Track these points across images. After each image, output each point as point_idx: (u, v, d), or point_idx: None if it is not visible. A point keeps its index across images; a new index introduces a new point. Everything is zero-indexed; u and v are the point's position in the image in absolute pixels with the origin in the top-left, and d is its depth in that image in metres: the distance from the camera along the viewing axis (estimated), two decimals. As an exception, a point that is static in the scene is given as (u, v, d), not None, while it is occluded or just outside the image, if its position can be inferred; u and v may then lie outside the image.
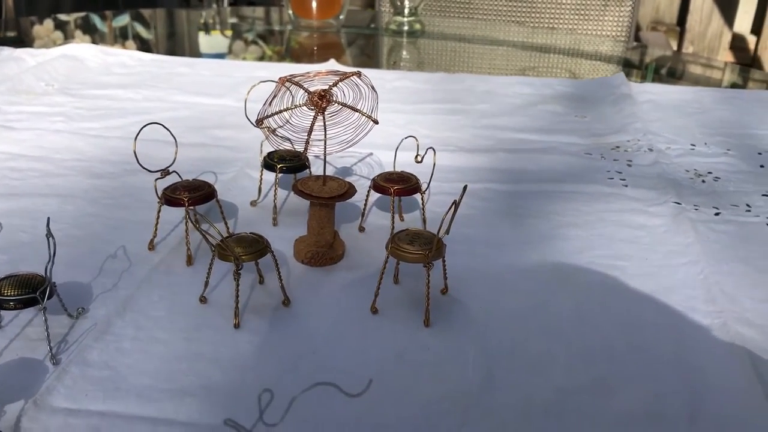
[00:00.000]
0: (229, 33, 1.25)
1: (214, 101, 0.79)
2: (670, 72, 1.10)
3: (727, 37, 2.50)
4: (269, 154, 0.55)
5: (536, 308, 0.46)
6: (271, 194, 0.58)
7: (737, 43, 2.51)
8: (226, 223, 0.53)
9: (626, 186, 0.62)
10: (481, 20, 1.57)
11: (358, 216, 0.56)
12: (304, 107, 0.45)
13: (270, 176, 0.56)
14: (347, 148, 0.47)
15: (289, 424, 0.35)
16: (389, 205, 0.56)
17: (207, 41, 1.25)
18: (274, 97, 0.46)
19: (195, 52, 1.12)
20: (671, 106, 0.80)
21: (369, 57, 1.06)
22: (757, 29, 2.48)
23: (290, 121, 0.46)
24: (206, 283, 0.46)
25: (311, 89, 0.46)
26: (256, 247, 0.44)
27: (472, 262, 0.51)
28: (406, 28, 1.08)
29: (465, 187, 0.44)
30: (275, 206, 0.56)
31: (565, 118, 0.76)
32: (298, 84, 0.46)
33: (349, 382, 0.38)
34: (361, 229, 0.55)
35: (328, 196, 0.48)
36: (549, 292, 0.48)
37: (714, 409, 0.38)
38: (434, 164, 0.52)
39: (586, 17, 1.57)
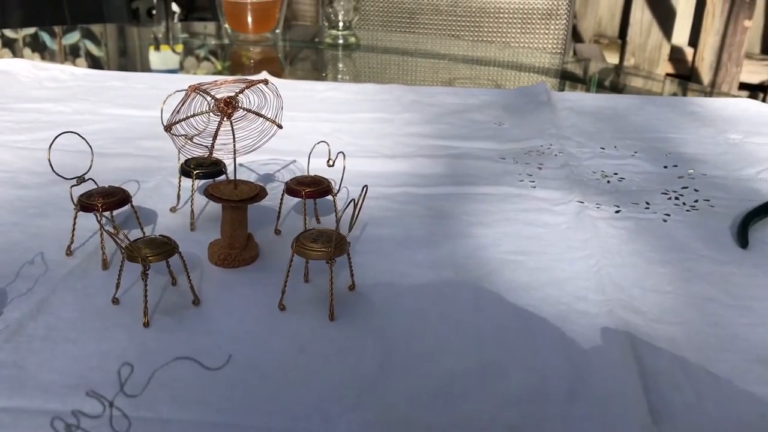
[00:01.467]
0: (179, 49, 1.26)
1: (143, 113, 0.81)
2: (600, 82, 1.15)
3: (666, 49, 2.59)
4: (186, 161, 0.57)
5: (436, 300, 0.49)
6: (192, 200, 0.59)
7: (676, 55, 2.60)
8: (141, 228, 0.54)
9: (534, 187, 0.65)
10: (423, 35, 1.61)
11: (274, 219, 0.58)
12: (211, 114, 0.48)
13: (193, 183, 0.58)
14: (252, 151, 0.49)
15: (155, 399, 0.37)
16: (307, 209, 0.58)
17: (158, 58, 1.26)
18: (183, 104, 0.48)
19: (146, 69, 1.13)
20: (587, 113, 0.84)
21: (303, 69, 1.09)
22: (694, 41, 2.57)
23: (196, 127, 0.48)
24: (117, 285, 0.47)
25: (219, 97, 0.48)
26: (164, 248, 0.45)
27: (381, 260, 0.53)
28: (341, 41, 1.11)
29: (365, 188, 0.46)
30: (192, 212, 0.57)
31: (485, 126, 0.80)
32: (205, 92, 0.48)
33: (246, 373, 0.40)
34: (277, 231, 0.57)
35: (238, 199, 0.50)
36: (450, 285, 0.51)
37: (592, 387, 0.41)
38: (344, 168, 0.54)
39: (524, 31, 1.62)
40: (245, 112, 0.47)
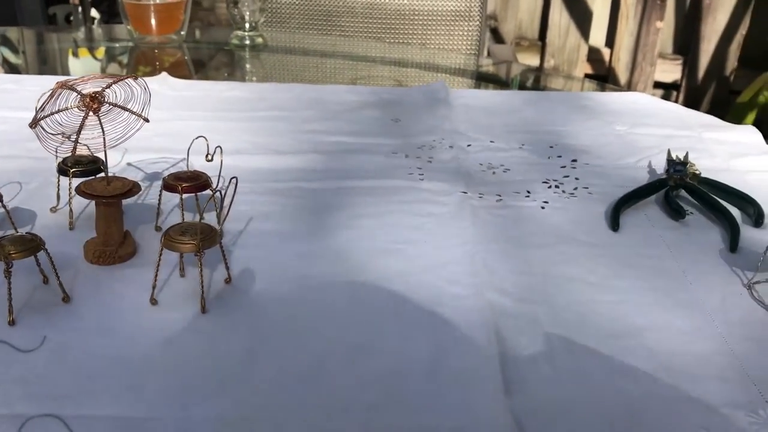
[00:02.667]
0: (101, 54, 1.23)
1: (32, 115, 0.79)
2: (510, 81, 1.19)
3: (584, 50, 2.67)
4: (64, 159, 0.56)
5: (312, 290, 0.50)
6: (74, 200, 0.58)
7: (593, 56, 2.68)
8: (15, 228, 0.53)
9: (422, 180, 0.67)
10: (339, 36, 1.62)
11: (156, 217, 0.58)
12: (78, 109, 0.47)
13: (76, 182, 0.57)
14: (118, 144, 0.49)
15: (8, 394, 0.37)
16: (192, 205, 0.58)
17: (78, 63, 1.23)
18: (50, 100, 0.48)
19: (67, 75, 1.10)
20: (482, 109, 0.87)
21: (207, 70, 1.08)
22: (610, 42, 2.66)
23: (62, 124, 0.48)
24: (-18, 284, 0.46)
25: (86, 92, 0.48)
26: (29, 245, 0.45)
27: (262, 253, 0.54)
28: (247, 42, 1.11)
29: (234, 180, 0.47)
30: (71, 211, 0.57)
31: (381, 122, 0.81)
32: (71, 87, 0.47)
33: (111, 366, 0.41)
34: (158, 228, 0.57)
35: (110, 195, 0.50)
36: (328, 275, 0.52)
37: (452, 365, 0.43)
38: (221, 162, 0.55)
39: (438, 33, 1.65)
40: (111, 106, 0.47)
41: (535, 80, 1.31)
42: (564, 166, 0.71)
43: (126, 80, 0.49)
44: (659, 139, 0.78)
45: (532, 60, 2.72)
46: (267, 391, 0.40)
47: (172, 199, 0.59)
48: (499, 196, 0.65)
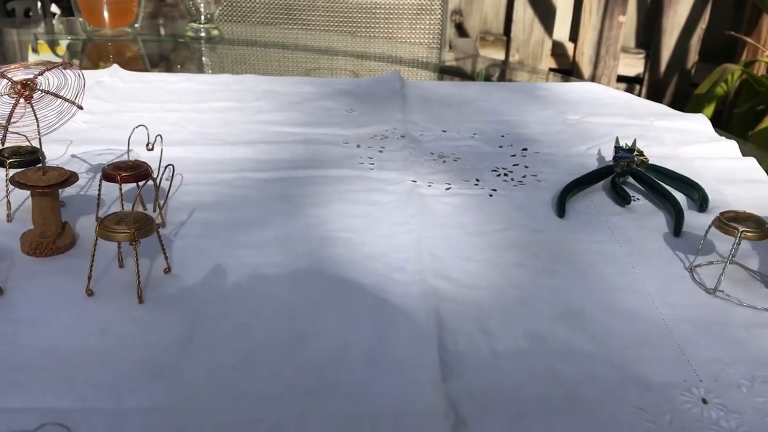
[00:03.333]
0: (62, 51, 1.21)
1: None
2: (466, 74, 1.19)
3: (548, 45, 2.69)
4: (0, 150, 0.55)
5: (254, 279, 0.49)
6: (13, 192, 0.57)
7: (558, 50, 2.70)
8: (-53, 221, 0.52)
9: (372, 169, 0.67)
10: (300, 30, 1.61)
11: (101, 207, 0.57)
12: (6, 97, 0.46)
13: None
14: (50, 133, 0.48)
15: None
16: (133, 195, 0.57)
17: (38, 58, 1.20)
18: (-21, 88, 0.46)
19: None
20: (436, 99, 0.86)
21: (161, 63, 1.07)
22: (574, 37, 2.68)
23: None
24: None
25: (17, 79, 0.47)
26: (-43, 236, 0.44)
27: (204, 243, 0.53)
28: (203, 34, 1.09)
29: (169, 167, 0.46)
30: (8, 203, 0.55)
31: (335, 113, 0.81)
32: (2, 74, 0.46)
33: (43, 358, 0.40)
34: (98, 219, 0.56)
35: (45, 184, 0.49)
36: (271, 264, 0.51)
37: (391, 351, 0.43)
38: (162, 151, 0.54)
39: (400, 26, 1.65)
40: (43, 94, 0.46)
41: (500, 74, 1.31)
42: (514, 155, 0.72)
43: (59, 68, 0.48)
44: (610, 127, 0.79)
45: (497, 55, 2.73)
46: (201, 381, 0.40)
47: (115, 190, 0.58)
48: (449, 184, 0.65)
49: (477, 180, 0.66)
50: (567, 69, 2.71)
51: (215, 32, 1.10)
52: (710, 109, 2.02)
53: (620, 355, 0.43)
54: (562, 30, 2.70)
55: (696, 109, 1.96)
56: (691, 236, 0.57)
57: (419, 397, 0.39)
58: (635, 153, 0.68)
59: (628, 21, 2.60)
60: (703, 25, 2.49)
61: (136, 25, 1.08)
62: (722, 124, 2.39)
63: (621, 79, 2.68)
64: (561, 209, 0.60)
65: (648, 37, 2.62)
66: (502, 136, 0.76)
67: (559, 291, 0.50)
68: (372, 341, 0.43)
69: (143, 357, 0.41)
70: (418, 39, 1.66)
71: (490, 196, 0.63)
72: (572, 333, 0.45)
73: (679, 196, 0.64)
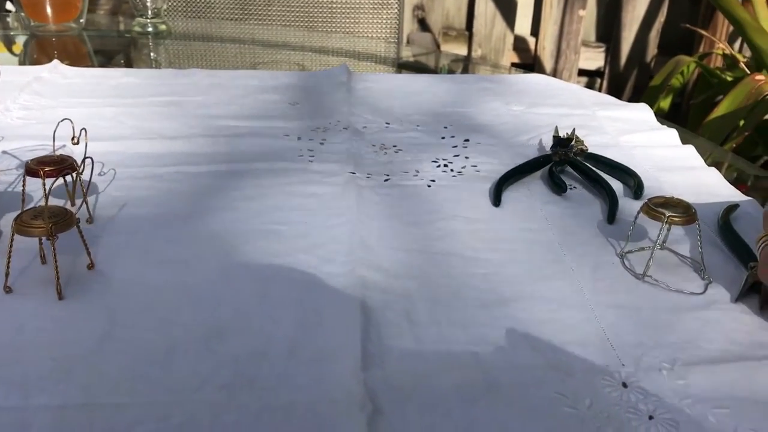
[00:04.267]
0: (18, 50, 1.17)
1: None
2: (429, 69, 1.19)
3: (510, 39, 2.70)
4: None
5: (180, 273, 0.48)
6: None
7: (519, 45, 2.72)
8: None
9: (312, 162, 0.66)
10: (255, 25, 1.60)
11: (28, 204, 0.55)
12: None
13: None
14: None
15: None
16: (63, 192, 0.56)
17: None
18: None
19: None
20: (383, 92, 0.86)
21: (106, 58, 1.05)
22: (535, 31, 2.70)
23: None
24: None
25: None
26: None
27: (131, 238, 0.52)
28: (150, 29, 1.08)
29: (88, 160, 0.45)
30: (-72, 199, 0.54)
31: (278, 106, 0.80)
32: None
33: None
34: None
35: (-40, 180, 0.47)
36: (199, 258, 0.50)
37: (314, 343, 0.42)
38: (86, 144, 0.53)
39: (357, 21, 1.65)
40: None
41: (463, 69, 1.31)
42: (455, 146, 0.72)
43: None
44: (554, 117, 0.79)
45: (459, 50, 2.73)
46: (115, 377, 0.39)
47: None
48: (387, 175, 0.64)
49: (417, 171, 0.65)
50: (529, 63, 2.72)
51: (163, 27, 1.09)
52: (668, 101, 2.05)
53: (545, 342, 0.43)
54: (523, 24, 2.72)
55: (651, 100, 1.98)
56: (625, 223, 0.58)
57: (337, 388, 0.38)
58: (574, 142, 0.68)
59: (588, 15, 2.62)
60: (661, 18, 2.52)
61: (81, 21, 1.06)
62: (681, 115, 2.43)
63: (582, 72, 2.71)
64: (497, 198, 0.60)
65: (608, 30, 2.64)
66: (446, 128, 0.76)
67: (489, 279, 0.50)
68: (295, 334, 0.43)
69: (58, 354, 0.40)
70: (376, 34, 1.66)
71: (429, 186, 0.63)
72: (499, 321, 0.45)
73: (616, 184, 0.65)
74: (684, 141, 0.74)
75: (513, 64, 2.75)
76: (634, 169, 0.66)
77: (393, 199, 0.60)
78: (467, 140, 0.73)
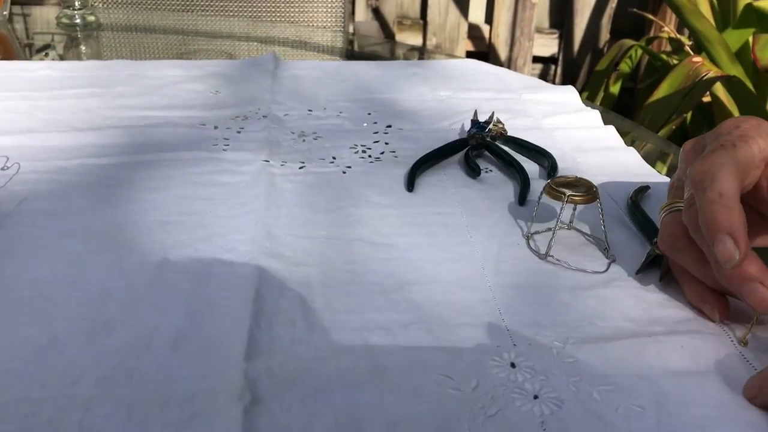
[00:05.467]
0: None
1: None
2: (369, 54, 1.18)
3: (464, 28, 2.70)
4: None
5: (72, 267, 0.47)
6: None
7: (474, 33, 2.72)
8: None
9: (226, 151, 0.65)
10: (201, 15, 1.57)
11: None
12: None
13: None
14: None
15: None
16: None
17: None
18: None
19: None
20: (310, 79, 0.85)
21: (31, 51, 1.02)
22: (489, 19, 2.70)
23: None
24: None
25: None
26: None
27: (26, 232, 0.51)
28: (78, 21, 1.05)
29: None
30: None
31: (200, 95, 0.78)
32: None
33: None
34: None
35: None
36: (93, 251, 0.49)
37: (202, 333, 0.41)
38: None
39: (302, 9, 1.63)
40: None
41: (419, 59, 1.30)
42: (377, 132, 0.71)
43: None
44: (479, 102, 0.78)
45: (414, 39, 2.73)
46: (-14, 374, 0.37)
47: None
48: (303, 163, 0.63)
49: (333, 158, 0.65)
50: (484, 51, 2.73)
51: (91, 18, 1.06)
52: (617, 86, 2.07)
53: (438, 324, 0.43)
54: (477, 12, 2.72)
55: (597, 85, 2.00)
56: (540, 205, 0.58)
57: (217, 379, 0.38)
58: (492, 126, 0.68)
59: (541, 2, 2.63)
60: (612, 4, 2.54)
61: (5, 13, 1.03)
62: (633, 100, 2.46)
63: (537, 59, 2.72)
64: (410, 183, 0.60)
65: (561, 17, 2.66)
66: (369, 114, 0.75)
67: (391, 264, 0.49)
68: (183, 325, 0.42)
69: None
70: (322, 23, 1.64)
71: (344, 173, 0.62)
72: (395, 305, 0.45)
73: (533, 166, 0.65)
74: (624, 131, 0.74)
75: (468, 53, 2.75)
76: (553, 151, 0.66)
77: (305, 187, 0.59)
78: (389, 126, 0.72)
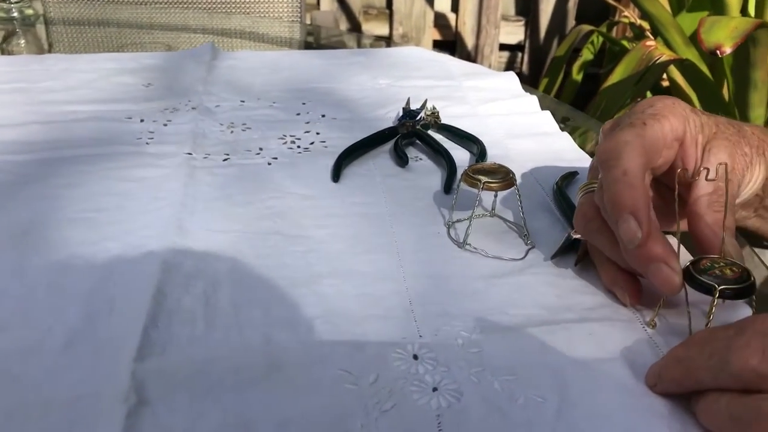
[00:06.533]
0: None
1: None
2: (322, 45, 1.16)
3: (431, 16, 2.68)
4: None
5: (-31, 268, 0.45)
6: None
7: (440, 22, 2.70)
8: None
9: (149, 144, 0.63)
10: (157, 8, 1.54)
11: None
12: None
13: None
14: None
15: None
16: None
17: None
18: None
19: None
20: (248, 69, 0.83)
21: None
22: (455, 7, 2.69)
23: None
24: None
25: None
26: None
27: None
28: (15, 14, 1.02)
29: None
30: None
31: (131, 88, 0.76)
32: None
33: None
34: None
35: None
36: (-7, 250, 0.47)
37: (95, 334, 0.40)
38: None
39: (259, 0, 1.61)
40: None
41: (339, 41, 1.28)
42: (309, 122, 0.69)
43: None
44: (418, 90, 0.77)
45: (381, 29, 2.71)
46: None
47: None
48: (227, 155, 0.62)
49: (260, 149, 0.63)
50: (451, 40, 2.72)
51: (29, 11, 1.03)
52: (580, 72, 2.06)
53: (345, 318, 0.42)
54: (443, 1, 2.70)
55: (555, 71, 2.00)
56: (463, 193, 0.57)
57: (105, 381, 0.36)
58: (425, 114, 0.67)
59: (507, -11, 2.62)
60: (578, -11, 2.54)
61: (-63, 8, 1.00)
62: (596, 86, 2.46)
63: (503, 47, 2.71)
64: (335, 174, 0.58)
65: (527, 4, 2.65)
66: (304, 104, 0.74)
67: (306, 257, 0.48)
68: (77, 326, 0.40)
69: None
70: (278, 13, 1.62)
71: (269, 164, 0.61)
72: (304, 299, 0.43)
73: (465, 153, 0.64)
74: (575, 120, 0.74)
75: (435, 42, 2.74)
76: (486, 137, 0.65)
77: (227, 179, 0.58)
78: (323, 116, 0.71)
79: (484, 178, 0.49)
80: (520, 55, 2.72)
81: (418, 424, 0.35)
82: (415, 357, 0.39)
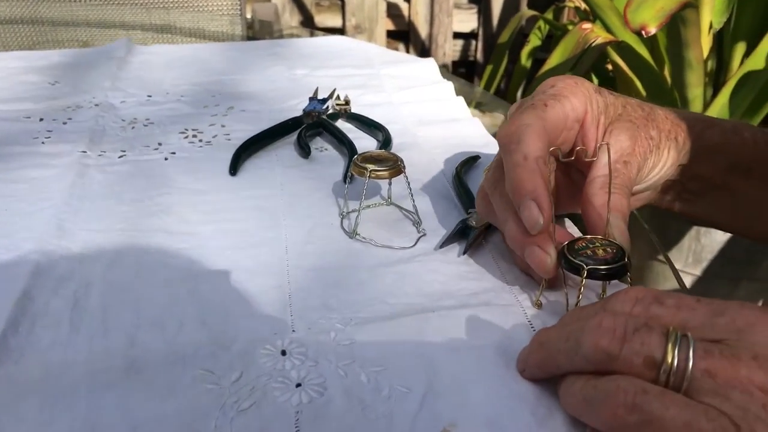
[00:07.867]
0: None
1: None
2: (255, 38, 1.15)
3: (383, 7, 2.66)
4: None
5: None
6: None
7: (393, 11, 2.69)
8: None
9: (44, 144, 0.61)
10: (94, 5, 1.50)
11: None
12: None
13: None
14: None
15: None
16: None
17: None
18: None
19: None
20: (161, 63, 0.81)
21: None
22: (408, -3, 2.67)
23: None
24: None
25: None
26: None
27: None
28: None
29: None
30: None
31: (35, 86, 0.74)
32: None
33: None
34: None
35: None
36: None
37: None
38: None
39: (195, -6, 1.58)
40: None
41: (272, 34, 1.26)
42: (215, 115, 0.68)
43: None
44: (334, 79, 0.76)
45: (334, 20, 2.69)
46: None
47: None
48: (124, 151, 0.60)
49: (159, 144, 0.61)
50: (404, 30, 2.70)
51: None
52: (529, 62, 2.06)
53: (218, 316, 0.40)
54: (395, -10, 2.68)
55: (498, 58, 1.99)
56: (361, 182, 0.55)
57: (-51, 391, 0.34)
58: (334, 103, 0.65)
59: (458, -23, 2.61)
60: (528, -24, 2.54)
61: None
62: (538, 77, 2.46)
63: (457, 35, 2.70)
64: (233, 167, 0.57)
65: (479, -9, 2.64)
66: (213, 97, 0.72)
67: (188, 254, 0.46)
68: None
69: None
70: (218, 8, 1.59)
71: (166, 159, 0.59)
72: (177, 298, 0.42)
73: (372, 142, 0.62)
74: (489, 106, 0.73)
75: (389, 32, 2.72)
76: (396, 125, 0.64)
77: (119, 177, 0.56)
78: (230, 108, 0.69)
79: (371, 167, 0.47)
80: (474, 43, 2.72)
81: (275, 422, 0.33)
82: (284, 353, 0.38)
